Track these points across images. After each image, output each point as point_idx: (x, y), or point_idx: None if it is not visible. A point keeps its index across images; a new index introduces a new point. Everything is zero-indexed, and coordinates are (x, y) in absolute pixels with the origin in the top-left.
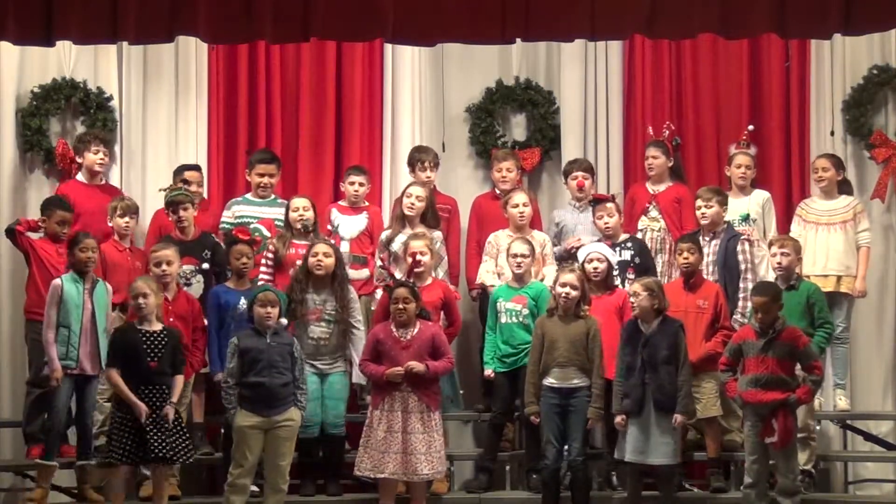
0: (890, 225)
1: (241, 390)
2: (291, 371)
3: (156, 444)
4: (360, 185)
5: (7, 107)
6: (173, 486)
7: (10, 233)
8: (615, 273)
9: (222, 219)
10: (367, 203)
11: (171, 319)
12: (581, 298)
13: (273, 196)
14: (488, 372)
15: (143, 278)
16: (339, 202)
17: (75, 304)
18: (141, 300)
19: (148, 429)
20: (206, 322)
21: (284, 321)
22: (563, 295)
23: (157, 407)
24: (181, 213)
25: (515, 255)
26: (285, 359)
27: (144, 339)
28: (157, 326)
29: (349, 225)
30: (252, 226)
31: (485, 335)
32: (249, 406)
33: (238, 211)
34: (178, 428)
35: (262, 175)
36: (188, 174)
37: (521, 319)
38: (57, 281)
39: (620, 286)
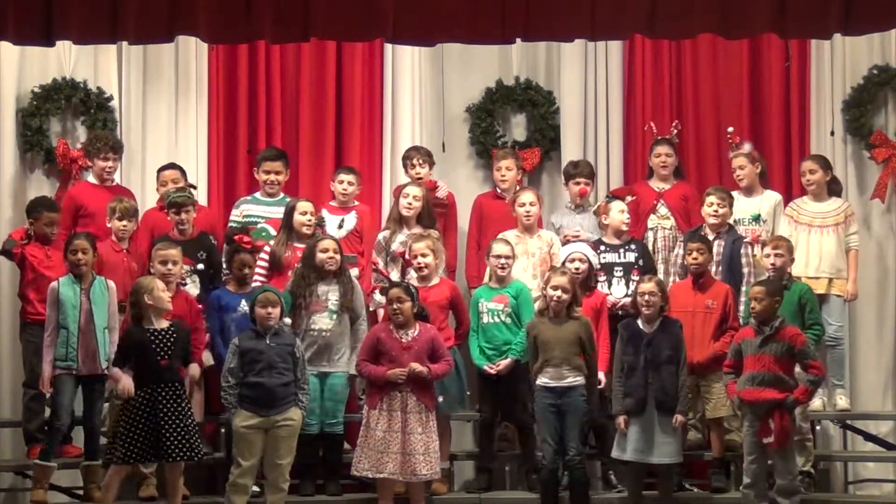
0: (890, 225)
1: (241, 390)
2: (293, 371)
3: (172, 443)
4: (350, 184)
5: (7, 107)
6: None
7: (8, 254)
8: (620, 274)
9: (231, 217)
10: (356, 203)
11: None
12: (572, 301)
13: (282, 195)
14: (489, 368)
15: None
16: (330, 202)
17: (72, 305)
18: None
19: (164, 428)
20: (205, 323)
21: (288, 320)
22: (555, 298)
23: (173, 405)
24: (182, 215)
25: (499, 257)
26: (285, 359)
27: (153, 337)
28: (164, 324)
29: (337, 224)
30: (259, 225)
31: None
32: (249, 406)
33: (246, 210)
34: (193, 425)
35: (268, 172)
36: (166, 174)
37: (503, 319)
38: (54, 283)
39: (625, 287)
